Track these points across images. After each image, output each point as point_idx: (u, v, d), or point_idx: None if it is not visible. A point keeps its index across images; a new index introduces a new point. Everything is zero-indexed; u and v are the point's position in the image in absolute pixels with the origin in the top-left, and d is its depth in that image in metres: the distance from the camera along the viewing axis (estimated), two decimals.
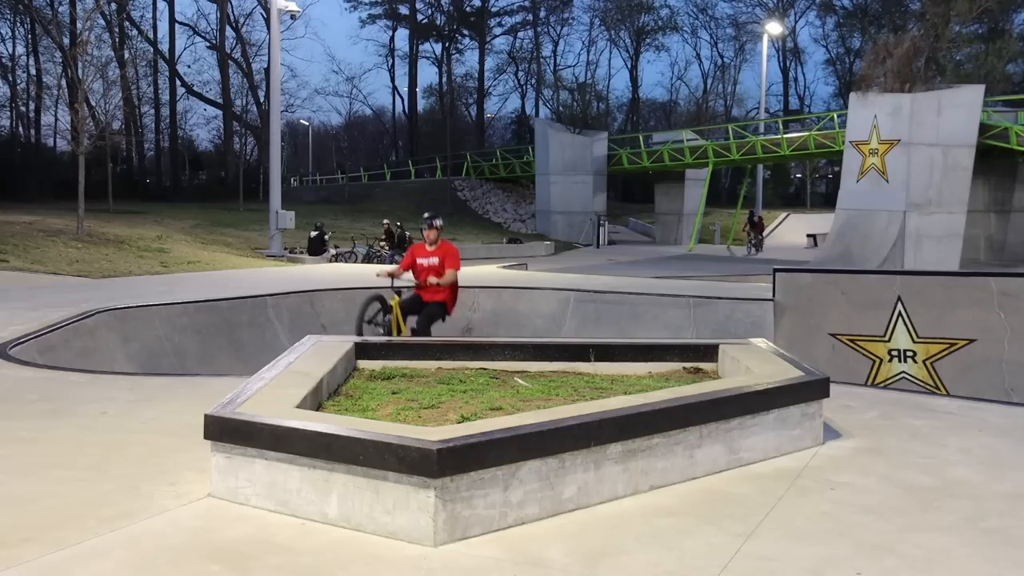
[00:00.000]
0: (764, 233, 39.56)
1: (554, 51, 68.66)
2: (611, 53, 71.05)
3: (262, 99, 50.33)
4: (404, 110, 69.38)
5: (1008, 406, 6.46)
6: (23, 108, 45.91)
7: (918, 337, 9.46)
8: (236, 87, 51.94)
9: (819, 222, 41.48)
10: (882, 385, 9.34)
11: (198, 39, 53.71)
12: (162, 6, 51.83)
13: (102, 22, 38.03)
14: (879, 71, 29.39)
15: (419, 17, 66.28)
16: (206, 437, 3.92)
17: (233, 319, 11.38)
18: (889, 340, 9.62)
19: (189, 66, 73.11)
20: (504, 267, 21.37)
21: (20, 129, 46.20)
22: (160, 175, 54.76)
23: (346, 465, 3.56)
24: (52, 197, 33.61)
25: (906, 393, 7.21)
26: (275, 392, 4.39)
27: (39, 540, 3.34)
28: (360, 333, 5.96)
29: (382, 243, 25.01)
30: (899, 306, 9.55)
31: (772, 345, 6.24)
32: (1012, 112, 30.26)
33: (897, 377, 9.54)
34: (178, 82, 52.02)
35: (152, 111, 54.47)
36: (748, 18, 65.14)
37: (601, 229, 40.13)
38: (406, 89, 67.53)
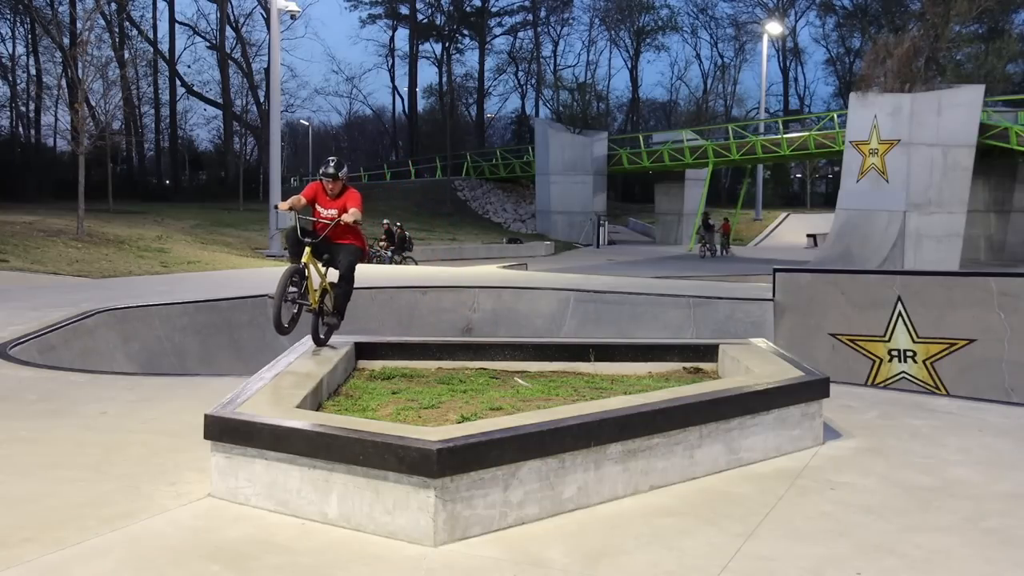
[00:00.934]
0: (729, 236, 37.03)
1: (554, 51, 68.75)
2: (611, 53, 71.04)
3: (262, 99, 50.32)
4: (404, 110, 69.42)
5: (1008, 406, 6.46)
6: (23, 108, 45.89)
7: (918, 337, 9.46)
8: (236, 87, 51.94)
9: (819, 222, 41.45)
10: (882, 385, 9.33)
11: (198, 39, 53.76)
12: (162, 6, 51.89)
13: (102, 22, 38.02)
14: (879, 71, 29.38)
15: (419, 17, 66.26)
16: (206, 437, 3.92)
17: (233, 319, 11.38)
18: (889, 340, 9.62)
19: (189, 66, 73.04)
20: (504, 267, 21.38)
21: (20, 129, 46.20)
22: (160, 175, 54.76)
23: (346, 465, 3.56)
24: (52, 197, 33.58)
25: (906, 393, 7.21)
26: (275, 392, 4.40)
27: (39, 540, 3.34)
28: (279, 318, 5.57)
29: (382, 243, 25.00)
30: (899, 306, 9.55)
31: (772, 345, 6.24)
32: (1012, 112, 30.25)
33: (897, 377, 9.54)
34: (178, 82, 52.03)
35: (152, 111, 54.52)
36: (748, 18, 65.21)
37: (601, 229, 40.13)
38: (406, 89, 67.57)
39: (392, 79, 68.72)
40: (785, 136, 35.86)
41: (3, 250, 17.87)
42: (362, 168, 59.04)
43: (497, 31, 68.01)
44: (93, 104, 27.47)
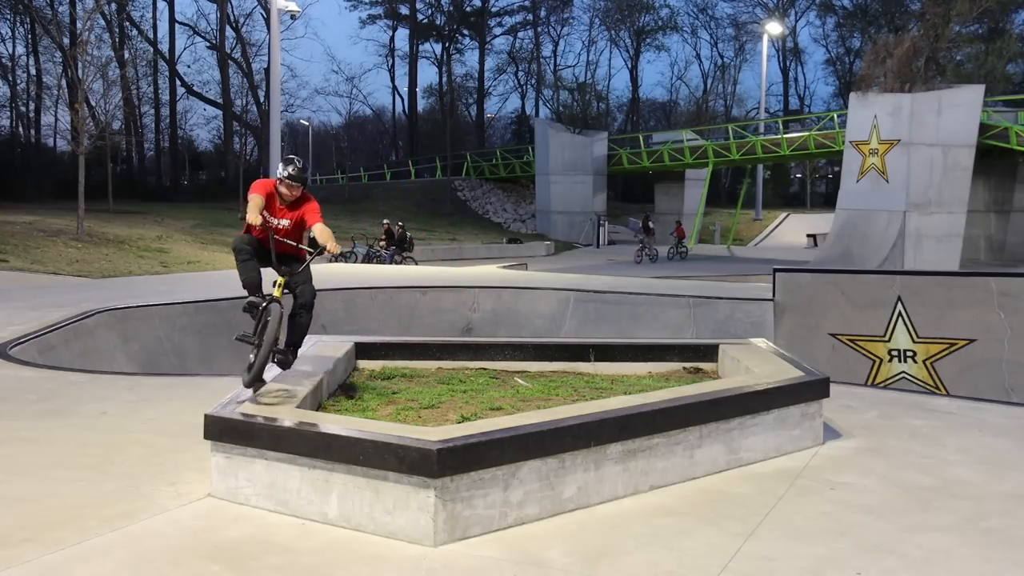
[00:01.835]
0: (684, 239, 32.78)
1: (554, 51, 68.73)
2: (611, 53, 71.03)
3: (262, 99, 50.32)
4: (404, 110, 69.42)
5: (1008, 406, 6.46)
6: (23, 108, 45.90)
7: (918, 337, 9.46)
8: (236, 87, 51.95)
9: (819, 222, 41.44)
10: (882, 385, 9.33)
11: (198, 39, 53.75)
12: (162, 6, 51.87)
13: (102, 22, 38.08)
14: (879, 71, 29.37)
15: (419, 17, 66.25)
16: (206, 437, 3.92)
17: (233, 319, 11.34)
18: (889, 340, 9.62)
19: (189, 66, 73.15)
20: (504, 267, 21.35)
21: (20, 129, 46.21)
22: (160, 175, 54.70)
23: (346, 465, 3.56)
24: (52, 197, 33.58)
25: (906, 393, 7.21)
26: (275, 392, 4.39)
27: (39, 540, 3.34)
28: (260, 372, 4.43)
29: (382, 243, 24.99)
30: (899, 306, 9.55)
31: (772, 345, 6.24)
32: (1012, 112, 30.23)
33: (897, 377, 9.54)
34: (178, 82, 52.01)
35: (152, 111, 54.51)
36: (748, 18, 65.19)
37: (601, 229, 40.12)
38: (406, 89, 67.58)
39: (392, 79, 68.79)
40: (785, 136, 35.85)
41: (3, 250, 17.87)
42: (362, 168, 59.08)
43: (497, 31, 68.06)
44: (93, 104, 27.48)
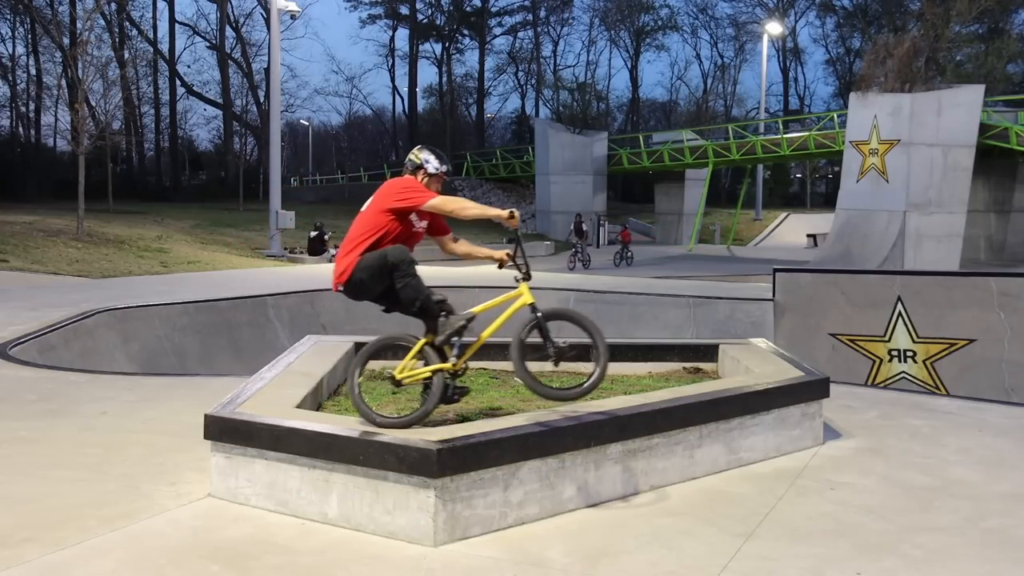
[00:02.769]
0: (628, 245, 29.66)
1: (554, 51, 68.71)
2: (611, 53, 71.05)
3: (262, 99, 50.33)
4: (404, 110, 69.40)
5: (1008, 406, 6.46)
6: (23, 108, 45.92)
7: (918, 337, 9.46)
8: (236, 87, 51.98)
9: (819, 222, 41.43)
10: (882, 385, 9.33)
11: (198, 39, 53.77)
12: (162, 6, 51.88)
13: (102, 22, 38.10)
14: (879, 71, 29.36)
15: (419, 17, 66.24)
16: (206, 437, 3.92)
17: (233, 319, 11.38)
18: (889, 340, 9.62)
19: (189, 66, 73.07)
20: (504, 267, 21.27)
21: (20, 129, 46.23)
22: (160, 175, 54.72)
23: (346, 465, 3.56)
24: (52, 197, 33.60)
25: (906, 393, 7.21)
26: (275, 392, 4.39)
27: (39, 540, 3.34)
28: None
29: None
30: (899, 306, 9.55)
31: (772, 345, 6.24)
32: (1012, 112, 30.23)
33: (897, 377, 9.54)
34: (178, 82, 52.03)
35: (152, 111, 54.52)
36: (748, 18, 65.18)
37: (601, 229, 40.12)
38: (406, 89, 67.55)
39: (392, 79, 68.76)
40: (785, 136, 35.85)
41: (3, 250, 17.87)
42: (362, 168, 59.10)
43: (497, 31, 68.03)
44: (93, 104, 27.49)
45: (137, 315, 10.19)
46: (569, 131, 43.14)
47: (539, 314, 4.03)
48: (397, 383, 4.06)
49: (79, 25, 33.76)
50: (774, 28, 54.05)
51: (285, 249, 26.54)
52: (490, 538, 3.47)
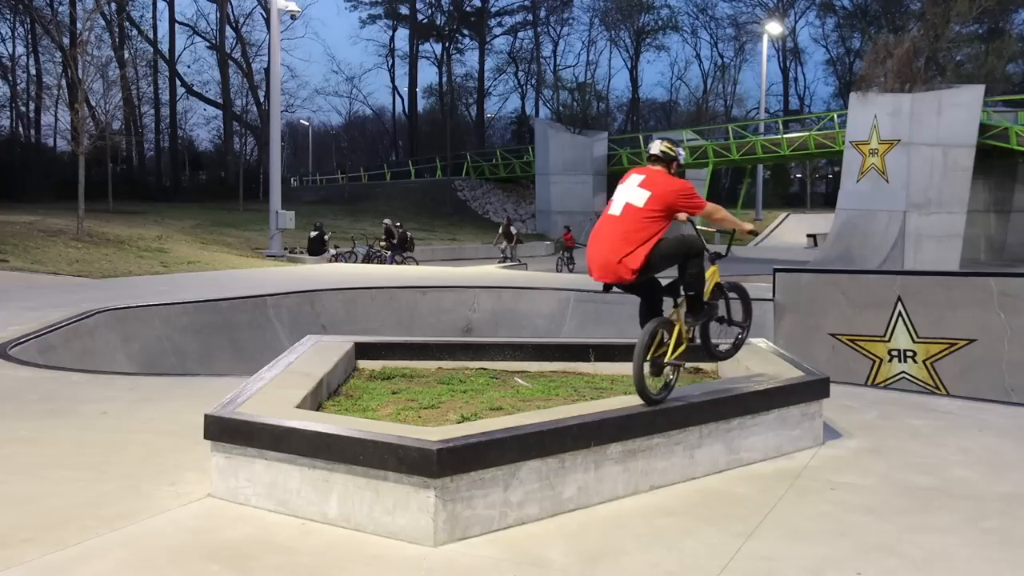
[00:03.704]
0: (572, 250, 27.37)
1: (554, 51, 68.66)
2: (611, 53, 70.91)
3: (262, 99, 50.32)
4: (404, 110, 69.41)
5: (1008, 406, 6.47)
6: (23, 108, 45.92)
7: (918, 337, 9.45)
8: (236, 87, 51.95)
9: (819, 222, 41.40)
10: (882, 385, 9.33)
11: (198, 39, 53.74)
12: (162, 6, 51.85)
13: (102, 22, 37.98)
14: (879, 71, 29.38)
15: (419, 17, 66.24)
16: (206, 437, 3.92)
17: (233, 319, 11.38)
18: (889, 340, 9.62)
19: (189, 66, 73.05)
20: (504, 267, 21.37)
21: (20, 129, 46.24)
22: (160, 175, 54.69)
23: (346, 465, 3.56)
24: (52, 197, 33.54)
25: (906, 393, 7.21)
26: (275, 392, 4.39)
27: (39, 540, 3.34)
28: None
29: (382, 243, 25.01)
30: (899, 306, 9.55)
31: (772, 345, 6.24)
32: (1012, 112, 30.24)
33: (897, 377, 9.54)
34: (178, 82, 51.99)
35: (152, 111, 54.46)
36: (748, 18, 65.15)
37: None
38: (406, 89, 67.55)
39: (392, 79, 68.77)
40: (785, 136, 35.86)
41: (3, 250, 17.87)
42: (362, 168, 59.10)
43: (497, 31, 68.02)
44: (93, 104, 27.45)
45: (137, 315, 10.19)
46: (569, 131, 43.15)
47: (737, 289, 4.86)
48: (661, 367, 4.29)
49: (79, 25, 33.79)
50: (774, 28, 54.05)
51: (285, 249, 26.55)
52: (490, 538, 3.47)
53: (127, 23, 47.23)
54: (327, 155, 76.61)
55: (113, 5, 41.59)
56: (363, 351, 5.95)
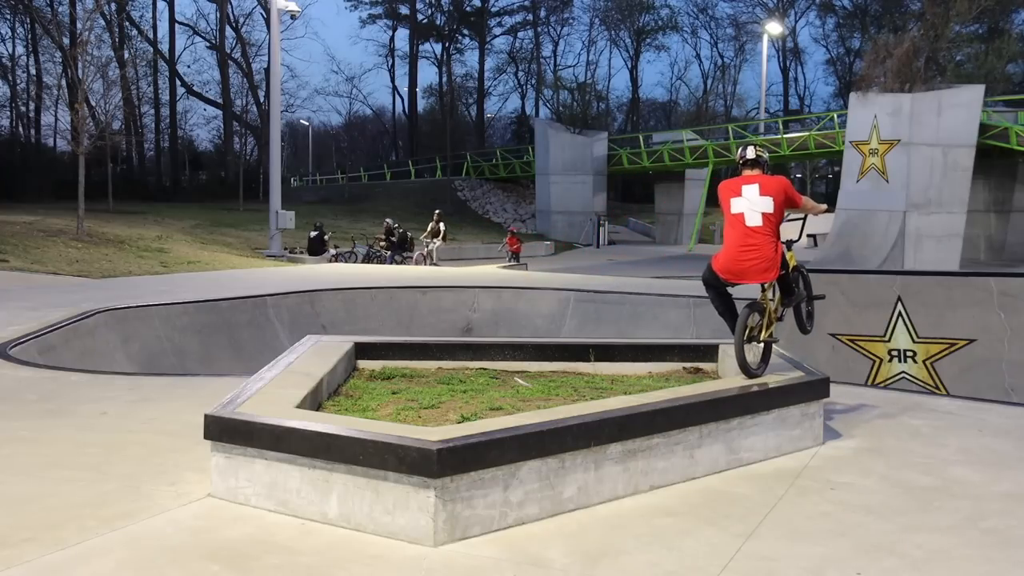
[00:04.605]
0: (519, 255, 26.58)
1: (554, 51, 68.73)
2: (611, 53, 71.07)
3: (262, 99, 50.31)
4: (404, 110, 69.44)
5: (1008, 406, 6.46)
6: (23, 108, 45.93)
7: (918, 337, 9.45)
8: (236, 87, 51.93)
9: (819, 222, 41.30)
10: (882, 385, 9.33)
11: (198, 39, 53.74)
12: (162, 6, 51.86)
13: (102, 22, 37.96)
14: (879, 71, 29.38)
15: (419, 17, 66.26)
16: (206, 437, 3.92)
17: (233, 319, 11.38)
18: (889, 340, 9.61)
19: (189, 66, 72.96)
20: (504, 267, 21.38)
21: (20, 129, 46.24)
22: (160, 175, 54.68)
23: (346, 465, 3.56)
24: (52, 197, 33.55)
25: (906, 393, 7.21)
26: (275, 392, 4.39)
27: (39, 540, 3.34)
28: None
29: (382, 243, 25.01)
30: (899, 306, 9.54)
31: None
32: (1012, 112, 30.25)
33: (897, 377, 9.53)
34: (178, 82, 52.01)
35: (152, 111, 54.45)
36: (748, 18, 65.20)
37: (601, 229, 40.14)
38: (406, 89, 67.59)
39: (392, 79, 68.81)
40: (785, 136, 35.85)
41: (3, 250, 17.87)
42: (362, 168, 59.10)
43: (497, 31, 68.08)
44: (93, 104, 27.44)
45: (137, 315, 10.19)
46: (569, 131, 43.16)
47: (803, 268, 5.62)
48: (756, 339, 5.06)
49: (79, 25, 33.72)
50: (774, 28, 54.06)
51: (285, 249, 26.55)
52: (490, 538, 3.47)
53: (127, 23, 47.27)
54: (327, 155, 76.63)
55: (113, 5, 41.63)
56: (363, 351, 5.95)
